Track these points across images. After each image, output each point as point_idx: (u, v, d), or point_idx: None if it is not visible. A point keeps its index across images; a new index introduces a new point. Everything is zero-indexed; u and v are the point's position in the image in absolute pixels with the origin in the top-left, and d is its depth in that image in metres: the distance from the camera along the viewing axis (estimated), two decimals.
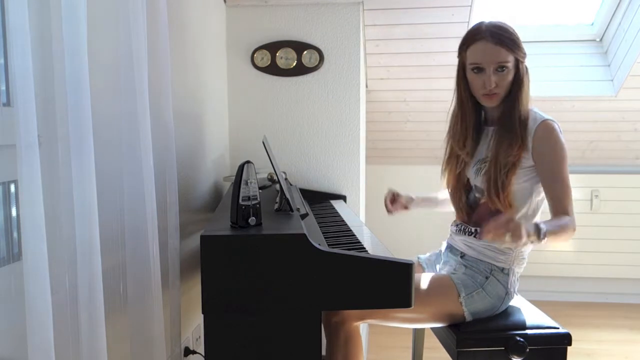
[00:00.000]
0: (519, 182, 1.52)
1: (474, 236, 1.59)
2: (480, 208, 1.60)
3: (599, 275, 3.43)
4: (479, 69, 1.51)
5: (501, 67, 1.49)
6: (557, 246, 1.54)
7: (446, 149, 1.70)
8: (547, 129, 1.50)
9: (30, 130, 0.83)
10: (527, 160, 1.51)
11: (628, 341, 2.84)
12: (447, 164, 1.70)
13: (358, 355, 1.48)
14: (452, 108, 1.67)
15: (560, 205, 1.46)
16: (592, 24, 3.11)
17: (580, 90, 3.08)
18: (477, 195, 1.61)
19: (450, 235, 1.72)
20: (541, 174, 1.50)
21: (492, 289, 1.53)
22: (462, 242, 1.63)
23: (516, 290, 1.60)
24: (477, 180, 1.59)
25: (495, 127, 1.58)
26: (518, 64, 1.52)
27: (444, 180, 1.72)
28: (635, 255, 3.38)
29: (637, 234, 3.38)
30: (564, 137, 1.51)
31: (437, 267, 1.75)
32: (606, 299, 3.44)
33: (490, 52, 1.48)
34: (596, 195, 3.38)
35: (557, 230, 1.38)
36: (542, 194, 1.54)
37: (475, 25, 1.54)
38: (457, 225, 1.67)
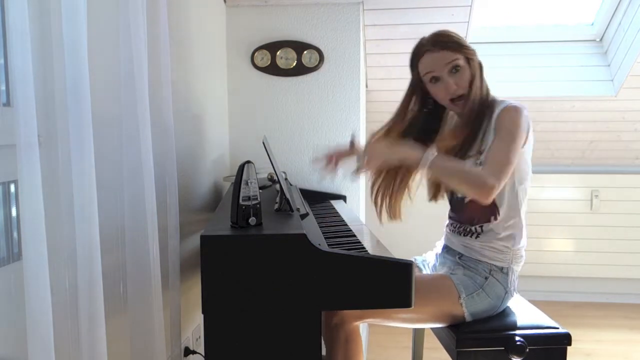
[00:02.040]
0: None
1: (471, 236, 1.59)
2: (470, 204, 1.59)
3: (599, 275, 3.43)
4: (435, 79, 1.55)
5: (454, 68, 1.53)
6: (453, 186, 1.52)
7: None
8: (509, 110, 1.50)
9: (30, 130, 0.83)
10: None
11: (628, 341, 2.84)
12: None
13: (358, 355, 1.47)
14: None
15: (488, 163, 1.43)
16: (592, 24, 3.12)
17: (580, 90, 3.08)
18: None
19: (446, 236, 1.72)
20: (492, 140, 1.49)
21: (492, 289, 1.53)
22: (460, 243, 1.63)
23: (516, 288, 1.60)
24: None
25: (461, 120, 1.59)
26: (469, 61, 1.55)
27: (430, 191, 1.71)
28: (635, 255, 3.38)
29: (637, 234, 3.38)
30: (527, 122, 1.51)
31: (434, 268, 1.75)
32: (606, 299, 3.44)
33: (437, 59, 1.53)
34: (596, 195, 3.38)
35: (451, 169, 1.43)
36: (524, 182, 1.56)
37: (418, 42, 1.59)
38: (452, 225, 1.67)
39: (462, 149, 1.55)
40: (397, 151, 1.46)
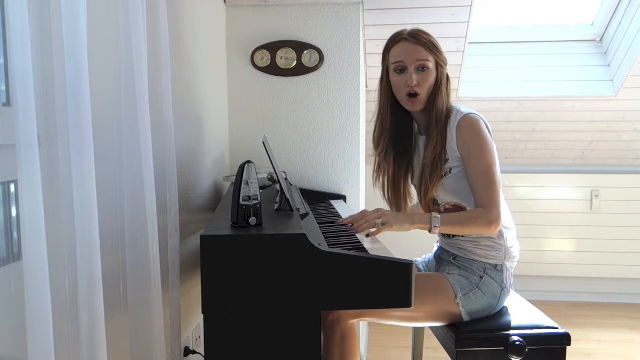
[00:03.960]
0: (459, 183, 1.55)
1: (462, 236, 1.60)
2: (449, 212, 1.61)
3: (599, 275, 3.43)
4: (401, 69, 1.57)
5: (422, 67, 1.55)
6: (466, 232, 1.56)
7: (375, 162, 1.74)
8: (467, 123, 1.53)
9: (30, 130, 0.83)
10: (457, 160, 1.54)
11: (628, 341, 2.84)
12: (377, 177, 1.73)
13: (354, 352, 1.47)
14: (373, 120, 1.71)
15: (480, 199, 1.50)
16: (592, 24, 3.12)
17: (580, 90, 3.08)
18: (438, 202, 1.64)
19: (440, 238, 1.73)
20: (466, 168, 1.53)
21: (488, 287, 1.54)
22: (452, 245, 1.64)
23: (512, 285, 1.60)
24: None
25: (425, 136, 1.63)
26: (438, 67, 1.57)
27: (382, 192, 1.74)
28: (635, 255, 3.38)
29: (637, 234, 3.38)
30: (489, 130, 1.54)
31: (432, 267, 1.75)
32: (606, 299, 3.44)
33: (411, 51, 1.55)
34: (596, 195, 3.38)
35: (456, 223, 1.49)
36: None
37: (397, 31, 1.61)
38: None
39: (435, 166, 1.56)
40: (408, 224, 1.49)
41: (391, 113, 1.65)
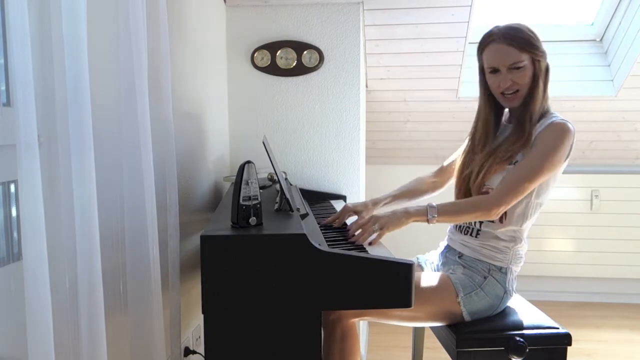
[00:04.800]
0: None
1: (470, 234, 1.59)
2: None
3: (599, 275, 3.43)
4: (494, 70, 1.54)
5: (515, 67, 1.50)
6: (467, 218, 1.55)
7: (467, 144, 1.70)
8: (557, 126, 1.49)
9: (30, 130, 0.83)
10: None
11: (628, 341, 2.84)
12: (463, 157, 1.68)
13: (354, 351, 1.47)
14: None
15: (502, 185, 1.47)
16: (592, 24, 3.11)
17: (580, 90, 3.08)
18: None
19: (449, 235, 1.72)
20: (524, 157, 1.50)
21: (491, 288, 1.53)
22: (460, 242, 1.63)
23: (514, 288, 1.60)
24: None
25: (513, 125, 1.59)
26: (535, 63, 1.52)
27: (454, 168, 1.70)
28: (635, 255, 3.38)
29: (637, 234, 3.38)
30: (570, 143, 1.50)
31: (436, 266, 1.75)
32: (606, 299, 3.44)
33: (502, 54, 1.51)
34: (596, 195, 3.38)
35: (455, 213, 1.49)
36: (542, 196, 1.55)
37: (490, 29, 1.57)
38: (455, 224, 1.67)
39: (511, 151, 1.52)
40: (404, 219, 1.48)
41: (488, 106, 1.62)
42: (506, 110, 1.65)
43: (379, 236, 1.46)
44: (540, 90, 1.53)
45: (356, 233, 1.48)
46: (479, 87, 1.65)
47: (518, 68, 1.50)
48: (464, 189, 1.63)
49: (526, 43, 1.50)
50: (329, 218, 1.70)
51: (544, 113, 1.55)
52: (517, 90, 1.53)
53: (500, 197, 1.46)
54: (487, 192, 1.55)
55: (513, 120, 1.59)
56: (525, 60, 1.50)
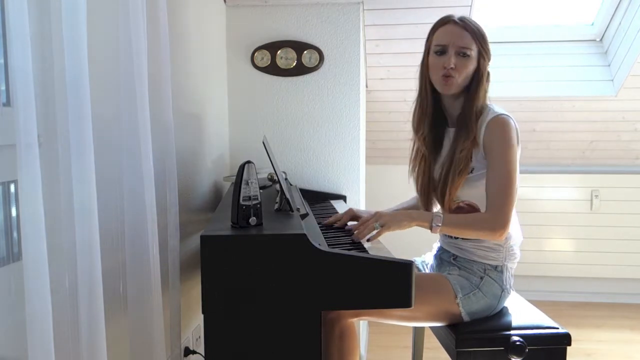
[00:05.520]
0: (478, 183, 1.52)
1: (462, 238, 1.59)
2: (459, 211, 1.58)
3: (599, 275, 3.43)
4: (442, 52, 1.54)
5: (463, 53, 1.52)
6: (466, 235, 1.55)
7: (412, 148, 1.70)
8: (498, 123, 1.50)
9: (30, 130, 0.83)
10: (481, 159, 1.52)
11: (628, 341, 2.84)
12: (414, 165, 1.70)
13: (353, 351, 1.47)
14: (413, 103, 1.68)
15: (492, 203, 1.47)
16: (592, 24, 3.11)
17: (580, 90, 3.08)
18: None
19: (440, 237, 1.72)
20: (487, 168, 1.50)
21: (488, 288, 1.53)
22: (452, 245, 1.63)
23: (512, 285, 1.60)
24: None
25: (455, 128, 1.59)
26: (480, 58, 1.53)
27: (415, 183, 1.71)
28: (635, 255, 3.38)
29: (637, 234, 3.38)
30: (517, 134, 1.51)
31: (432, 269, 1.75)
32: (606, 299, 3.44)
33: (455, 34, 1.53)
34: (596, 195, 3.38)
35: (459, 226, 1.49)
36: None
37: (446, 14, 1.59)
38: None
39: (466, 160, 1.53)
40: (406, 222, 1.49)
41: (431, 97, 1.61)
42: (451, 112, 1.63)
43: (379, 233, 1.46)
44: (482, 90, 1.54)
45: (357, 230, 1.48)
46: (419, 77, 1.63)
47: (465, 55, 1.51)
48: (428, 199, 1.65)
49: (480, 35, 1.53)
50: (330, 218, 1.70)
51: (482, 108, 1.56)
52: (453, 77, 1.52)
53: (499, 216, 1.45)
54: (465, 207, 1.56)
55: (456, 123, 1.59)
56: (473, 49, 1.52)
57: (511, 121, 1.51)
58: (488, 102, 1.57)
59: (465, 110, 1.54)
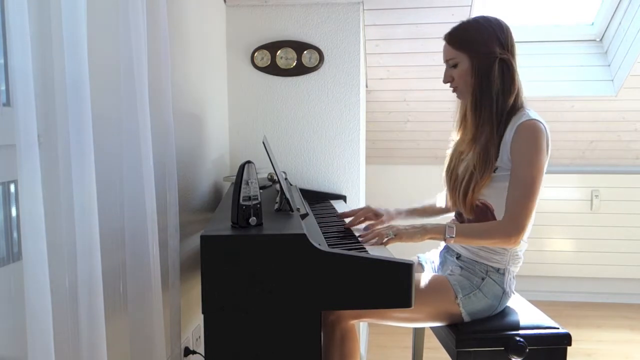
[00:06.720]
0: (498, 184, 1.50)
1: None
2: (474, 209, 1.57)
3: (599, 275, 3.43)
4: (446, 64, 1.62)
5: (452, 64, 1.58)
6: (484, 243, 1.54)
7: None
8: (527, 127, 1.46)
9: (30, 130, 0.83)
10: (506, 161, 1.49)
11: (628, 341, 2.84)
12: (448, 165, 1.69)
13: (354, 353, 1.47)
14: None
15: (512, 208, 1.45)
16: (592, 24, 3.11)
17: (580, 90, 3.08)
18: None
19: None
20: (511, 173, 1.48)
21: (489, 289, 1.53)
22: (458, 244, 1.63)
23: (513, 289, 1.60)
24: None
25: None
26: (473, 60, 1.53)
27: (446, 182, 1.69)
28: (635, 255, 3.38)
29: (637, 234, 3.38)
30: (547, 141, 1.48)
31: (436, 266, 1.75)
32: (606, 299, 3.44)
33: (444, 50, 1.61)
34: (596, 195, 3.38)
35: (472, 236, 1.49)
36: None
37: None
38: (453, 222, 1.67)
39: (487, 162, 1.51)
40: (419, 235, 1.50)
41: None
42: None
43: (387, 242, 1.47)
44: (494, 87, 1.50)
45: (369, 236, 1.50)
46: None
47: (454, 66, 1.57)
48: (454, 196, 1.63)
49: (464, 40, 1.55)
50: (350, 220, 1.74)
51: (516, 110, 1.52)
52: (457, 87, 1.60)
53: (516, 224, 1.44)
54: (480, 206, 1.55)
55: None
56: (459, 57, 1.55)
57: (542, 127, 1.47)
58: (527, 107, 1.53)
59: (478, 114, 1.54)
